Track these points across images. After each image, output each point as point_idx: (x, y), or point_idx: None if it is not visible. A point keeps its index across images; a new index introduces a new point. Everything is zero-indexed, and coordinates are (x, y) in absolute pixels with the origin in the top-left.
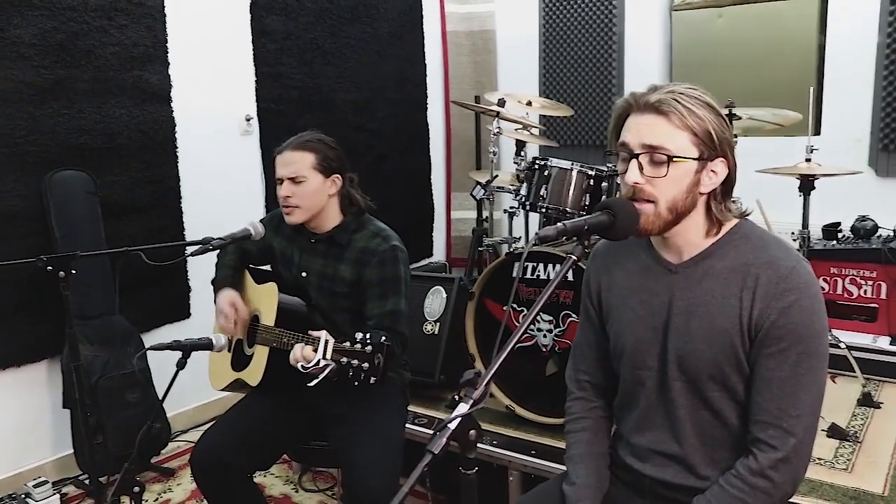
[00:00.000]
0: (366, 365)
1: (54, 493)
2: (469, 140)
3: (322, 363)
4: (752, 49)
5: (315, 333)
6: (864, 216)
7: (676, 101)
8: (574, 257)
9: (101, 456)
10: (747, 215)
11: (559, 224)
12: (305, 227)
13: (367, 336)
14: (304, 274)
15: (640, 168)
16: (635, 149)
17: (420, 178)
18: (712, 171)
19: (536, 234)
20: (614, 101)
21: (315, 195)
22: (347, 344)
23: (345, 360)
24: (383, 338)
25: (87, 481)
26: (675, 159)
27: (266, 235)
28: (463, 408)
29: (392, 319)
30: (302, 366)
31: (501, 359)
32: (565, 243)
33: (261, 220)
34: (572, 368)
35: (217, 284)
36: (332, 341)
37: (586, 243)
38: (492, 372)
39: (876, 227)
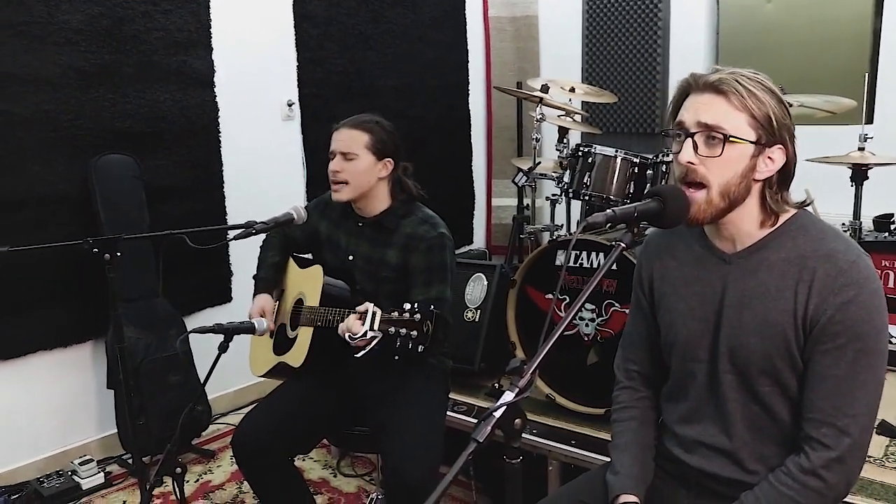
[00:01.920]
0: (414, 333)
1: (99, 472)
2: (510, 127)
3: (370, 335)
4: (803, 35)
5: (361, 307)
6: None
7: (737, 81)
8: (623, 245)
9: (144, 437)
10: (806, 206)
11: (608, 211)
12: (353, 211)
13: (416, 305)
14: (350, 257)
15: (695, 147)
16: (691, 127)
17: (461, 164)
18: (769, 157)
19: (585, 220)
20: (658, 88)
21: (364, 174)
22: (395, 314)
23: (392, 329)
24: (433, 306)
25: (130, 461)
26: (731, 139)
27: (312, 220)
28: (508, 396)
29: (437, 306)
30: (350, 336)
31: (547, 348)
32: (610, 231)
33: (306, 207)
34: (621, 357)
35: (256, 286)
36: (379, 312)
37: (636, 231)
38: (538, 360)
39: None
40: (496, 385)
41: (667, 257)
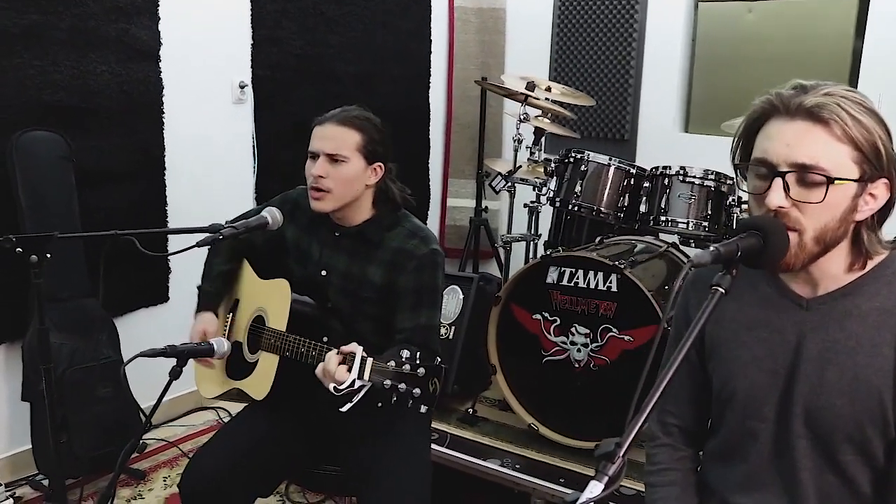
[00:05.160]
0: (417, 391)
1: (7, 497)
2: (470, 124)
3: (357, 384)
4: (782, 48)
5: (347, 348)
6: None
7: (839, 105)
8: (722, 290)
9: (65, 457)
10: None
11: (711, 248)
12: (329, 218)
13: (417, 355)
14: (323, 272)
15: (786, 188)
16: (780, 165)
17: (417, 160)
18: (870, 194)
19: (690, 260)
20: (630, 92)
21: (352, 182)
22: (392, 363)
23: (388, 382)
24: (438, 360)
25: (45, 482)
26: (835, 182)
27: None
28: (596, 488)
29: (426, 335)
30: (334, 387)
31: (641, 421)
32: (601, 248)
33: (269, 204)
34: (657, 409)
35: (199, 300)
36: (370, 360)
37: (735, 273)
38: (629, 441)
39: None
40: (470, 410)
41: (725, 297)
